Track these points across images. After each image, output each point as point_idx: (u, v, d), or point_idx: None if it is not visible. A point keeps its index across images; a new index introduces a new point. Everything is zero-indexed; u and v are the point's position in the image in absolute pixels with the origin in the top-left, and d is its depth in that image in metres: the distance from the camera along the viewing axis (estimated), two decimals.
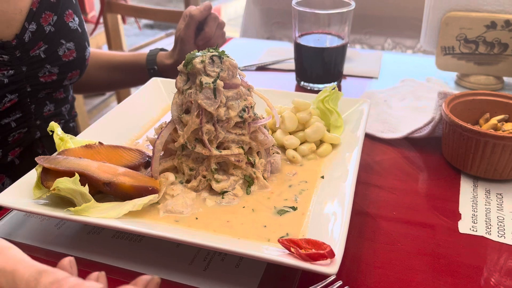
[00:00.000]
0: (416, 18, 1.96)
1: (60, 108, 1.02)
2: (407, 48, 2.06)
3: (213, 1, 6.21)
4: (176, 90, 0.69)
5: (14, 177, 0.95)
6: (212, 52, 0.66)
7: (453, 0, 1.01)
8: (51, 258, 0.62)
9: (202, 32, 1.12)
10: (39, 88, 0.93)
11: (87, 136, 0.76)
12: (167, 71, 1.21)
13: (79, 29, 0.98)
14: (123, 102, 0.87)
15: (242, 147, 0.68)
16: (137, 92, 0.91)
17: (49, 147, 1.00)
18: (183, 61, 0.67)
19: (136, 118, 0.86)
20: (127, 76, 1.28)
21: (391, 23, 2.03)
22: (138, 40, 4.10)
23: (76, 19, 0.97)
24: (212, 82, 0.64)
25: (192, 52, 0.67)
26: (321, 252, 0.51)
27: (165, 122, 0.73)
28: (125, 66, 1.26)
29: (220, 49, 0.68)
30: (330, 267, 0.50)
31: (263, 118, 0.72)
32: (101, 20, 2.75)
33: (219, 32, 1.15)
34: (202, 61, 0.65)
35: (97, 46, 2.90)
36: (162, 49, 1.25)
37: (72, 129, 1.09)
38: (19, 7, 0.87)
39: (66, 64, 0.95)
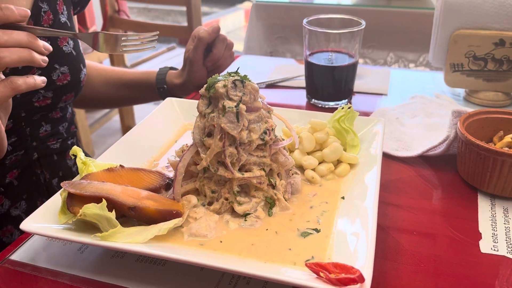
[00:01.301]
0: (418, 32, 1.98)
1: (57, 128, 1.02)
2: (409, 61, 2.08)
3: (211, 14, 6.26)
4: (198, 113, 0.70)
5: (13, 198, 0.95)
6: (234, 76, 0.67)
7: (462, 18, 1.02)
8: (74, 283, 0.62)
9: (211, 53, 1.14)
10: (33, 112, 0.93)
11: (106, 158, 0.76)
12: (176, 90, 1.22)
13: (73, 52, 0.97)
14: (139, 124, 0.87)
15: (263, 169, 0.69)
16: (152, 113, 0.92)
17: (47, 167, 1.00)
18: (205, 85, 0.68)
19: (153, 139, 0.87)
20: (136, 94, 1.29)
21: (393, 37, 2.05)
22: (139, 54, 4.12)
23: (71, 42, 0.97)
24: (235, 106, 0.65)
25: (214, 76, 0.68)
26: (352, 276, 0.51)
27: (186, 145, 0.73)
28: (135, 83, 1.27)
29: (228, 69, 0.68)
30: None
31: (283, 140, 0.73)
32: None
33: (227, 53, 1.17)
34: (225, 86, 0.66)
35: (99, 60, 2.92)
36: (171, 68, 1.26)
37: (70, 146, 1.07)
38: None
39: (60, 88, 0.95)
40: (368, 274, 0.52)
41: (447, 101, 1.08)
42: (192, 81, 1.17)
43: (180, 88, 1.20)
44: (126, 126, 2.94)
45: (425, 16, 1.91)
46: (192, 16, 2.61)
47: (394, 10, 2.02)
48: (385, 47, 2.08)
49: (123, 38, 0.75)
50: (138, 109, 3.08)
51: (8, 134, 0.88)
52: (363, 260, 0.55)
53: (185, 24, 2.60)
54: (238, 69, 0.70)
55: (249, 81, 0.67)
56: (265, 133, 0.69)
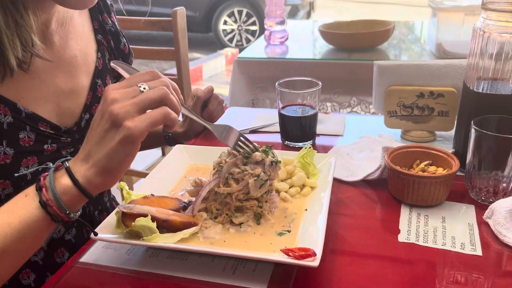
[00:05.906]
0: None
1: None
2: (369, 103, 2.46)
3: (194, 59, 6.68)
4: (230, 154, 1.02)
5: (67, 225, 1.22)
6: (273, 157, 0.97)
7: (392, 78, 1.39)
8: (127, 273, 0.92)
9: (206, 108, 1.49)
10: None
11: (140, 190, 1.07)
12: (179, 137, 1.55)
13: None
14: (159, 165, 1.19)
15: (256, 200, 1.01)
16: (167, 156, 1.24)
17: (91, 202, 1.26)
18: (243, 154, 0.99)
19: (169, 176, 1.18)
20: (145, 142, 1.61)
21: (355, 84, 2.44)
22: None
23: None
24: (265, 180, 0.97)
25: (256, 145, 1.01)
26: (308, 253, 0.83)
27: (198, 178, 1.05)
28: None
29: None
30: (314, 262, 0.82)
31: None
32: None
33: (219, 107, 1.52)
34: (263, 159, 0.98)
35: None
36: None
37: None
38: (79, 103, 1.18)
39: None
40: (319, 252, 0.84)
41: (387, 139, 1.42)
42: (192, 129, 1.50)
43: (182, 136, 1.53)
44: None
45: None
46: (181, 66, 2.97)
47: (354, 62, 2.42)
48: (348, 93, 2.45)
49: (241, 139, 0.93)
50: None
51: None
52: (317, 245, 0.87)
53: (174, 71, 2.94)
54: (271, 147, 1.01)
55: (280, 163, 1.00)
56: (266, 192, 1.01)
